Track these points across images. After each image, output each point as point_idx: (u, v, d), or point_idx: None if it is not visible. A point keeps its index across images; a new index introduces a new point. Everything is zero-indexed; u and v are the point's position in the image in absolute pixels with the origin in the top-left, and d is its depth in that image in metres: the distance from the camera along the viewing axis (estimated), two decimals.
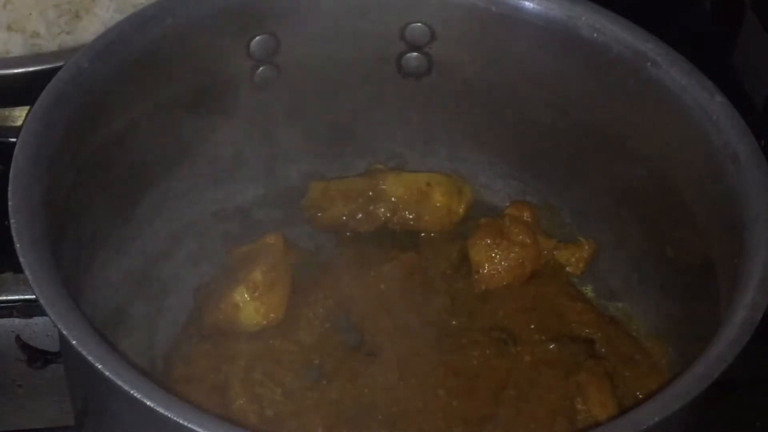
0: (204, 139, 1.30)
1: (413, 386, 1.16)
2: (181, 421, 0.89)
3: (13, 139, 1.06)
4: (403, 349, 1.19)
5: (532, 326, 1.23)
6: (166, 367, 1.20)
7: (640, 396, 1.16)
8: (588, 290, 1.32)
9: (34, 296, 0.96)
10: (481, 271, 1.27)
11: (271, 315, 1.19)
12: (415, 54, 1.30)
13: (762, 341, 1.01)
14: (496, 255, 1.26)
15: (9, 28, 1.38)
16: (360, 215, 1.33)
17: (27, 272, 0.97)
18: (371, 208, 1.33)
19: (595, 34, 1.23)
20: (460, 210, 1.34)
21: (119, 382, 0.91)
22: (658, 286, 1.27)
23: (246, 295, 1.18)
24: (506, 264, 1.26)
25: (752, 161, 1.12)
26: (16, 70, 1.26)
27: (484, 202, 1.37)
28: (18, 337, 1.32)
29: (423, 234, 1.33)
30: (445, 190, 1.33)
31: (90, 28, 1.41)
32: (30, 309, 1.33)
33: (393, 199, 1.33)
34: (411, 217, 1.33)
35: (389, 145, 1.38)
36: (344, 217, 1.33)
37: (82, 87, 1.13)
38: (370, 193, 1.33)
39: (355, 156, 1.38)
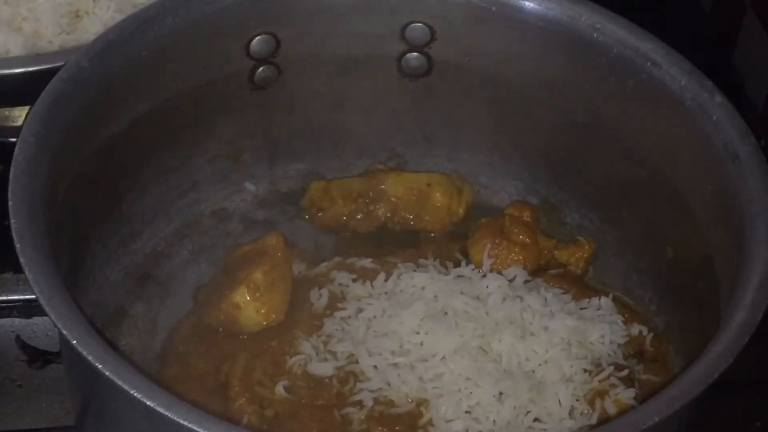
0: (204, 139, 1.30)
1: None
2: (181, 421, 0.89)
3: (13, 139, 1.06)
4: None
5: None
6: (163, 366, 1.20)
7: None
8: None
9: (34, 296, 0.96)
10: None
11: (272, 315, 1.19)
12: (415, 54, 1.30)
13: (762, 341, 1.01)
14: (496, 255, 1.26)
15: (9, 28, 1.38)
16: (360, 215, 1.33)
17: (27, 272, 0.97)
18: (371, 208, 1.33)
19: (595, 34, 1.23)
20: (460, 210, 1.34)
21: (119, 382, 0.91)
22: (658, 286, 1.27)
23: (247, 296, 1.18)
24: (506, 264, 1.26)
25: (752, 161, 1.12)
26: (16, 70, 1.26)
27: (484, 202, 1.37)
28: (18, 337, 1.32)
29: (423, 234, 1.33)
30: (445, 190, 1.33)
31: (90, 28, 1.40)
32: (30, 309, 1.33)
33: (393, 199, 1.33)
34: (411, 217, 1.33)
35: (389, 145, 1.38)
36: (344, 217, 1.33)
37: (82, 87, 1.13)
38: (370, 193, 1.33)
39: (355, 156, 1.38)
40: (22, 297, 1.34)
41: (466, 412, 1.11)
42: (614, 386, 1.14)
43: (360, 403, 1.13)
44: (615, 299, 1.24)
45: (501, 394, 1.11)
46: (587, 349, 1.16)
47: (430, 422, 1.11)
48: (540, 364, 1.15)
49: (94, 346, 0.93)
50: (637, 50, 1.21)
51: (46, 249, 1.00)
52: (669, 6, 1.79)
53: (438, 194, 1.33)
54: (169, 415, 0.89)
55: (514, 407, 1.11)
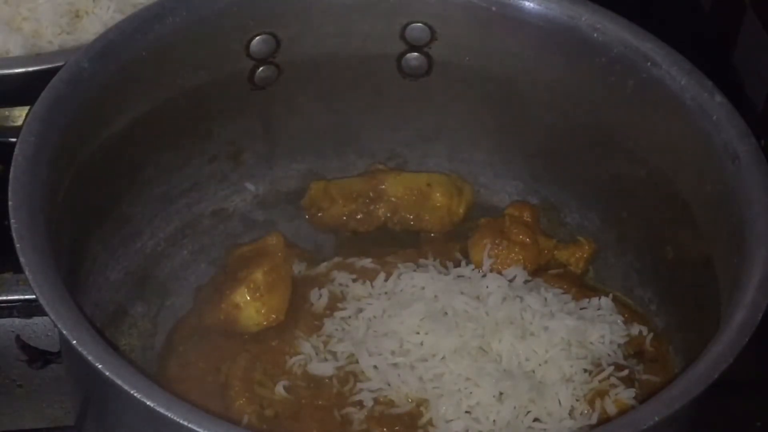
0: (204, 139, 1.30)
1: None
2: (181, 421, 0.89)
3: (13, 139, 1.06)
4: None
5: None
6: (163, 366, 1.20)
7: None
8: None
9: (34, 296, 0.96)
10: None
11: (272, 316, 1.19)
12: (415, 54, 1.30)
13: (762, 341, 1.01)
14: (496, 255, 1.26)
15: (9, 28, 1.38)
16: (360, 215, 1.33)
17: (27, 272, 0.97)
18: (371, 208, 1.33)
19: (595, 34, 1.23)
20: (460, 210, 1.34)
21: (119, 382, 0.91)
22: (658, 286, 1.27)
23: (247, 296, 1.18)
24: (506, 264, 1.26)
25: (752, 161, 1.12)
26: (16, 70, 1.26)
27: (484, 202, 1.37)
28: (18, 337, 1.32)
29: (423, 234, 1.33)
30: (445, 190, 1.33)
31: (90, 28, 1.40)
32: (30, 309, 1.33)
33: (393, 199, 1.33)
34: (411, 217, 1.33)
35: (389, 145, 1.38)
36: (344, 217, 1.33)
37: (82, 87, 1.13)
38: (370, 193, 1.33)
39: (355, 156, 1.38)
40: (22, 297, 1.34)
41: (466, 412, 1.11)
42: (614, 386, 1.14)
43: (360, 403, 1.13)
44: (615, 299, 1.24)
45: (501, 394, 1.11)
46: (587, 349, 1.16)
47: (430, 422, 1.11)
48: (540, 364, 1.15)
49: (94, 346, 0.93)
50: (637, 50, 1.21)
51: (46, 249, 1.00)
52: (669, 6, 1.79)
53: (438, 194, 1.33)
54: (169, 415, 0.89)
55: (514, 407, 1.11)
